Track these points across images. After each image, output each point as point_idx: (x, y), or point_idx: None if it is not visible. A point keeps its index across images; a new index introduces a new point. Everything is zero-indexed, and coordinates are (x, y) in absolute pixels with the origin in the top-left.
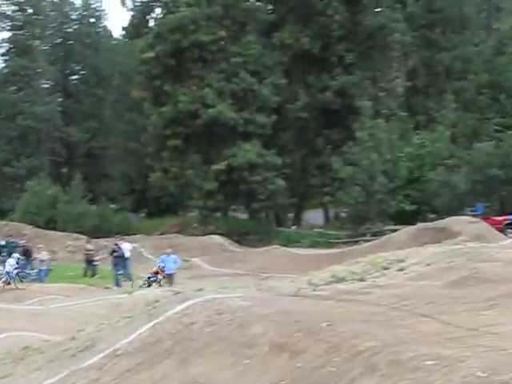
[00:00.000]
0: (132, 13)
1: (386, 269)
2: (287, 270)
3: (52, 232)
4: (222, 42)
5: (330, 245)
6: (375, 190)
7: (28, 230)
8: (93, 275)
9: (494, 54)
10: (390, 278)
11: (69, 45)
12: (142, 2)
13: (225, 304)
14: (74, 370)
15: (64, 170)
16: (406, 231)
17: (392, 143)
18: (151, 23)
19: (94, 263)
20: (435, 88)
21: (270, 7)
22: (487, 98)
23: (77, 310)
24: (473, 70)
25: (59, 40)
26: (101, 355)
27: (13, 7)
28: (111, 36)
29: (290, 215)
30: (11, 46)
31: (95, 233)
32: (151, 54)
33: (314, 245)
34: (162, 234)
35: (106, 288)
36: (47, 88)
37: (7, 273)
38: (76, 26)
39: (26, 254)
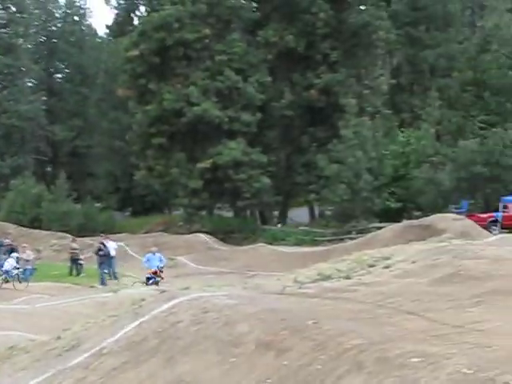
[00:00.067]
0: (116, 11)
1: (371, 266)
2: (273, 268)
3: (37, 231)
4: (207, 40)
5: (315, 243)
6: (360, 188)
7: (13, 229)
8: (78, 274)
9: (478, 52)
10: (375, 276)
11: (53, 43)
12: (126, 0)
13: (211, 302)
14: (60, 369)
15: (49, 169)
16: (391, 229)
17: (377, 141)
18: (136, 21)
19: (80, 262)
20: (420, 85)
21: (255, 5)
22: (471, 95)
23: (62, 309)
24: (457, 67)
25: (43, 38)
26: (87, 354)
27: None
28: (96, 34)
29: (276, 213)
30: None
31: (80, 231)
32: (136, 53)
33: (299, 243)
34: (147, 233)
35: (92, 287)
36: (31, 86)
37: (6, 271)
38: (60, 24)
39: (12, 253)
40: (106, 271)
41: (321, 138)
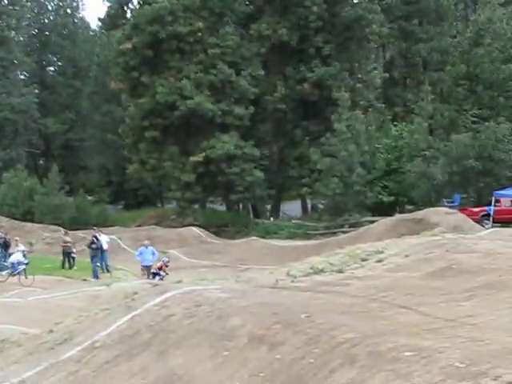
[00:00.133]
0: (109, 4)
1: (364, 260)
2: (265, 261)
3: (29, 224)
4: (200, 34)
5: (308, 236)
6: (353, 182)
7: (5, 222)
8: (70, 267)
9: (471, 46)
10: (368, 270)
11: (45, 36)
12: None
13: (203, 296)
14: (52, 362)
15: (41, 162)
16: (383, 222)
17: (370, 134)
18: (128, 14)
19: (72, 255)
20: (412, 79)
21: None
22: (464, 89)
23: (55, 302)
24: (450, 61)
25: (35, 31)
26: (79, 348)
27: None
28: (88, 27)
29: (268, 207)
30: None
31: (73, 225)
32: (128, 45)
33: (292, 236)
34: (139, 226)
35: (84, 280)
36: (23, 79)
37: (12, 264)
38: (52, 17)
39: (5, 246)
40: (98, 264)
41: (314, 131)
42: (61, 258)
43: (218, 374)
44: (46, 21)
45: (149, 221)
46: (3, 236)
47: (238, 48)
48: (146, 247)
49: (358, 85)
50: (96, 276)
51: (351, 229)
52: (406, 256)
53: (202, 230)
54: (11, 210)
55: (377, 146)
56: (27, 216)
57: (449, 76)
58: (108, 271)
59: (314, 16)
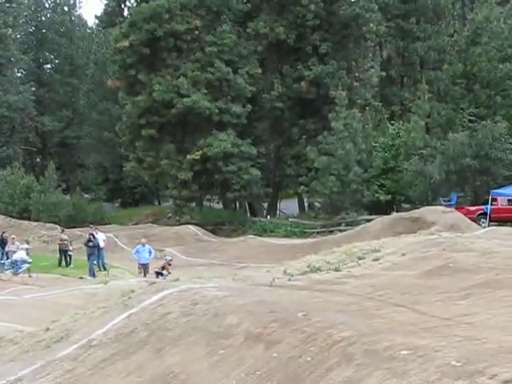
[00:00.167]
0: (106, 1)
1: (361, 259)
2: (262, 259)
3: (26, 222)
4: (197, 32)
5: (304, 235)
6: (350, 180)
7: (1, 220)
8: (67, 265)
9: (469, 45)
10: (365, 268)
11: (42, 33)
12: None
13: (200, 294)
14: (48, 360)
15: (38, 160)
16: (380, 221)
17: (367, 133)
18: (125, 12)
19: (69, 253)
20: (410, 78)
21: None
22: (461, 88)
23: (51, 300)
24: (447, 60)
25: (32, 28)
26: (75, 346)
27: None
28: (85, 25)
29: (265, 205)
30: None
31: (69, 223)
32: (125, 43)
33: (288, 234)
34: (136, 224)
35: (81, 278)
36: (20, 77)
37: (15, 262)
38: (49, 15)
39: (2, 244)
40: (95, 262)
41: (311, 129)
42: (57, 255)
43: (215, 372)
44: (43, 18)
45: (145, 219)
46: (1, 234)
47: (235, 46)
48: (143, 245)
49: (355, 83)
50: (93, 274)
51: (348, 227)
52: (403, 255)
53: (199, 228)
54: (8, 207)
55: (374, 144)
56: (24, 214)
57: (446, 75)
58: (105, 269)
59: (311, 14)
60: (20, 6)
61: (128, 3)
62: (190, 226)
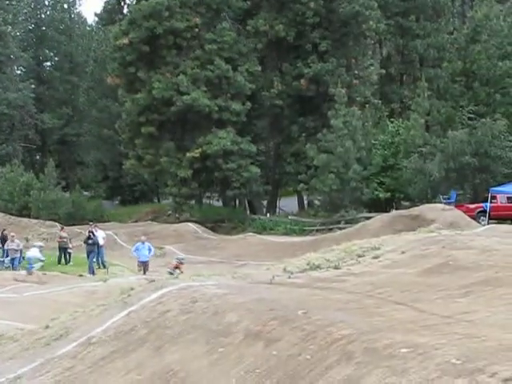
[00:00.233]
0: None
1: (360, 256)
2: (262, 257)
3: (26, 219)
4: (197, 29)
5: (304, 232)
6: (349, 178)
7: (1, 217)
8: (66, 263)
9: (468, 42)
10: (364, 266)
11: (42, 31)
12: None
13: (200, 292)
14: (48, 358)
15: (37, 157)
16: (380, 219)
17: (366, 131)
18: (125, 9)
19: (68, 251)
20: (409, 76)
21: None
22: (461, 85)
23: (51, 297)
24: (447, 57)
25: (32, 26)
26: (75, 343)
27: None
28: (85, 22)
29: (265, 203)
30: None
31: (69, 220)
32: (125, 41)
33: (288, 232)
34: (136, 222)
35: (80, 276)
36: (20, 74)
37: (29, 259)
38: (49, 12)
39: (3, 241)
40: (94, 260)
41: (310, 127)
42: (57, 253)
43: (214, 370)
44: (43, 16)
45: (145, 216)
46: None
47: (235, 44)
48: (143, 243)
49: (355, 81)
50: (92, 272)
51: (348, 225)
52: (403, 252)
53: (199, 225)
54: (7, 205)
55: (373, 142)
56: (23, 211)
57: (445, 72)
58: (104, 267)
59: (311, 12)
60: (20, 4)
61: (128, 1)
62: (189, 224)
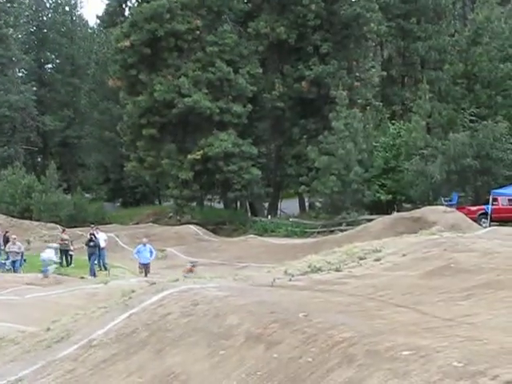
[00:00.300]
0: (107, 1)
1: (362, 259)
2: (263, 259)
3: (27, 221)
4: (198, 32)
5: (305, 234)
6: (351, 180)
7: (3, 219)
8: (68, 265)
9: (469, 45)
10: (366, 269)
11: (43, 33)
12: None
13: (201, 294)
14: (49, 361)
15: (39, 160)
16: (381, 221)
17: (368, 133)
18: (127, 12)
19: (70, 253)
20: (410, 78)
21: None
22: (462, 88)
23: (52, 300)
24: (448, 60)
25: (34, 28)
26: (76, 346)
27: None
28: (86, 24)
29: (266, 205)
30: None
31: (70, 222)
32: (127, 43)
33: (289, 234)
34: (137, 224)
35: (82, 278)
36: (22, 77)
37: (43, 261)
38: (51, 15)
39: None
40: (95, 262)
41: (311, 129)
42: (58, 255)
43: (215, 372)
44: (44, 18)
45: (146, 218)
46: (4, 233)
47: (236, 46)
48: (144, 245)
49: (356, 83)
50: (93, 274)
51: (349, 227)
52: (404, 255)
53: (200, 227)
54: (9, 207)
55: (374, 144)
56: (25, 213)
57: (447, 75)
58: (105, 269)
59: (312, 14)
60: (21, 6)
61: (129, 3)
62: (190, 226)
